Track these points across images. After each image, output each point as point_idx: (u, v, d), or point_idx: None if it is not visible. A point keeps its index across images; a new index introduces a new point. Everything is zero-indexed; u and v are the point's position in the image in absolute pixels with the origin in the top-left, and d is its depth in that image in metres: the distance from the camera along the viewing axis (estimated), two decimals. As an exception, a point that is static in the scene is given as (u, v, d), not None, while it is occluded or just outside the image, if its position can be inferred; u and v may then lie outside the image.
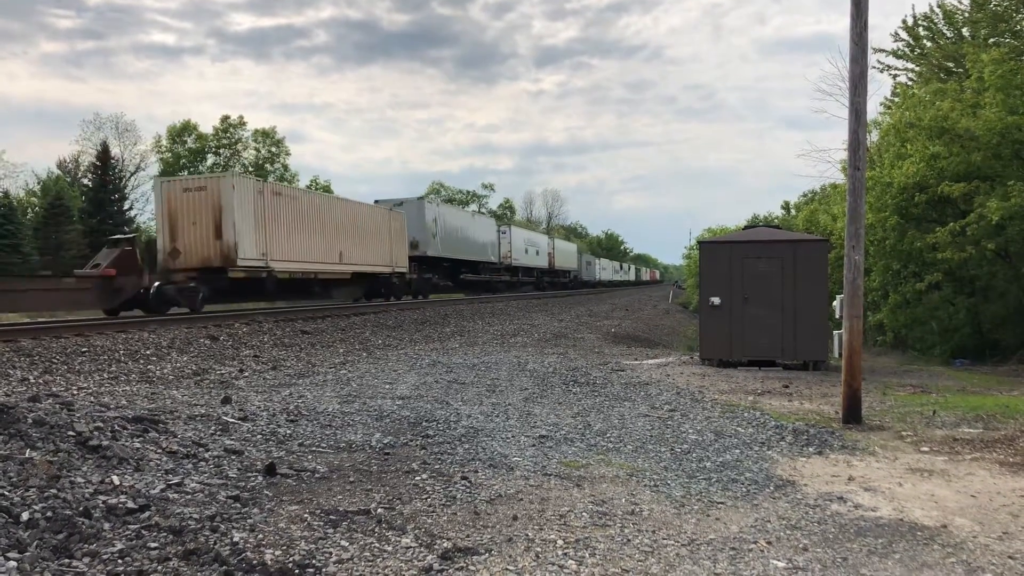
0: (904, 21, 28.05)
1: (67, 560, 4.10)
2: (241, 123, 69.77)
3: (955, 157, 19.27)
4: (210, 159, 67.37)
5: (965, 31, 26.15)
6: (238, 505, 5.26)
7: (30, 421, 6.03)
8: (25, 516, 4.43)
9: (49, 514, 4.51)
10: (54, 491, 4.83)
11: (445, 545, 4.77)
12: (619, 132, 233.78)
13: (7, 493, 4.66)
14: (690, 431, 8.69)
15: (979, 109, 19.32)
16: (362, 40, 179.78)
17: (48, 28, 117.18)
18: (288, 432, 7.68)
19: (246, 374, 12.03)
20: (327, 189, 72.74)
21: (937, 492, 6.46)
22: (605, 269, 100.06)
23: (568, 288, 70.49)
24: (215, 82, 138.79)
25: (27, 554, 4.05)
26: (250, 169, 67.46)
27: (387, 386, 11.23)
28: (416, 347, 17.45)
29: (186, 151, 66.13)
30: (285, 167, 72.40)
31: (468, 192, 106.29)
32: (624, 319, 33.86)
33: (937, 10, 26.94)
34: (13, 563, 3.92)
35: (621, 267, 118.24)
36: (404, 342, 18.32)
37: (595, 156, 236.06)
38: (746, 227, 24.44)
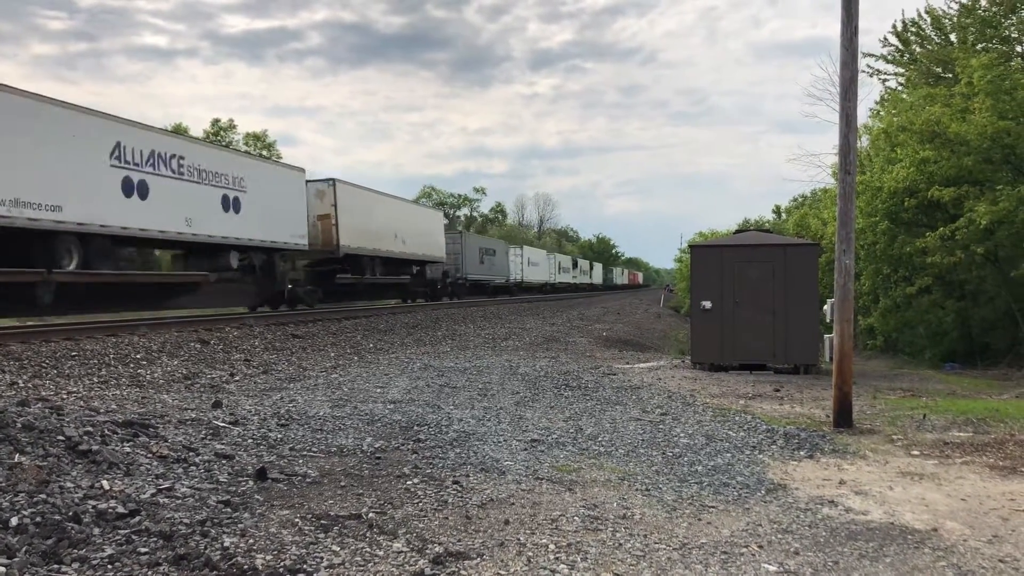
0: (894, 26, 28.22)
1: (56, 565, 4.07)
2: (231, 126, 69.62)
3: (945, 162, 19.40)
4: (201, 162, 67.14)
5: (953, 36, 26.31)
6: (229, 510, 5.23)
7: (19, 425, 5.99)
8: (14, 521, 4.40)
9: (38, 519, 4.49)
10: (43, 496, 4.81)
11: (436, 550, 4.76)
12: (612, 136, 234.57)
13: (-4, 498, 4.63)
14: (681, 435, 8.69)
15: (968, 114, 19.45)
16: (356, 42, 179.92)
17: (40, 29, 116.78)
18: (279, 436, 7.65)
19: (237, 378, 11.98)
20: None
21: (928, 495, 6.48)
22: (536, 265, 63.18)
23: (430, 300, 36.84)
24: (208, 85, 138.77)
25: (16, 559, 4.02)
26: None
27: (378, 390, 11.21)
28: (407, 351, 17.42)
29: (176, 154, 65.89)
30: (276, 170, 72.00)
31: (460, 196, 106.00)
32: (616, 323, 33.90)
33: (926, 15, 27.12)
34: (2, 568, 3.89)
35: (575, 265, 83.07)
36: (395, 346, 18.30)
37: (588, 160, 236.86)
38: (737, 231, 24.51)
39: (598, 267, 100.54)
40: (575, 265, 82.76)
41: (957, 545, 5.22)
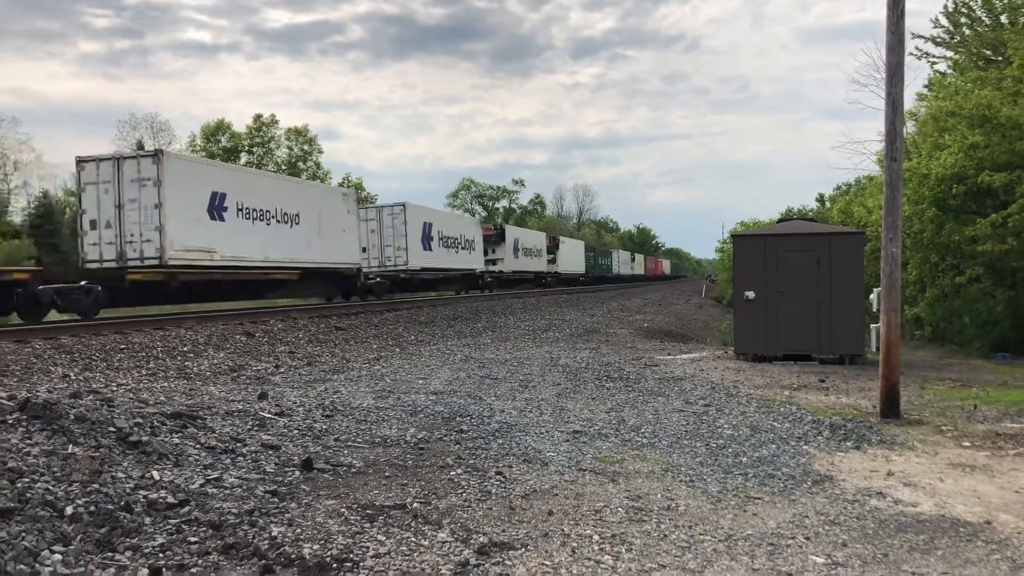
0: (944, 7, 27.51)
1: (110, 553, 4.17)
2: (273, 121, 70.54)
3: (996, 147, 18.90)
4: (243, 158, 68.15)
5: (1004, 18, 25.62)
6: (276, 500, 5.31)
7: (72, 417, 6.13)
8: (69, 510, 4.51)
9: (92, 508, 4.59)
10: (96, 486, 4.92)
11: (481, 540, 4.78)
12: (653, 125, 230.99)
13: (52, 488, 4.75)
14: (725, 426, 8.62)
15: (1020, 98, 18.93)
16: (398, 35, 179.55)
17: (87, 28, 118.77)
18: (324, 427, 7.74)
19: (282, 370, 12.14)
20: (358, 186, 72.61)
21: (980, 488, 6.34)
22: (333, 233, 24.79)
23: None
24: (250, 80, 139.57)
25: (72, 547, 4.12)
26: (283, 168, 68.01)
27: (420, 381, 11.28)
28: (448, 342, 17.50)
29: (220, 150, 66.94)
30: (318, 165, 72.91)
31: (498, 188, 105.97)
32: (657, 314, 33.70)
33: (976, -4, 26.39)
34: (58, 556, 4.00)
35: (514, 246, 47.19)
36: (436, 337, 18.38)
37: (630, 149, 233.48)
38: (780, 220, 24.16)
39: (576, 247, 64.43)
40: (515, 246, 47.19)
41: (1012, 538, 5.11)
